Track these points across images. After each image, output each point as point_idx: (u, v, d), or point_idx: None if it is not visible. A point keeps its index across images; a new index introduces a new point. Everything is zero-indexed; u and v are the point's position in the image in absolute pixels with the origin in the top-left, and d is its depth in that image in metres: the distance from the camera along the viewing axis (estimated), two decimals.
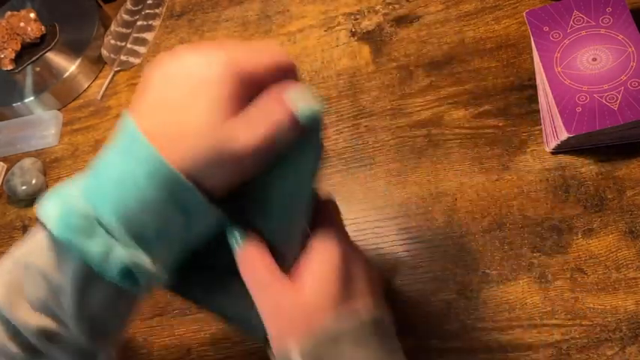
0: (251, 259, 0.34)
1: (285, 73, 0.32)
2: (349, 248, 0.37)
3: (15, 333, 0.31)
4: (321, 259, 0.35)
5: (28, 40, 0.75)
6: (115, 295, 0.32)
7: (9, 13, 0.75)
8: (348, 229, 0.37)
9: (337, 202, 0.39)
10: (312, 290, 0.34)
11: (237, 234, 0.34)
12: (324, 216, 0.37)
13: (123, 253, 0.29)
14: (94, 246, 0.29)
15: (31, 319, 0.31)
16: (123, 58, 0.74)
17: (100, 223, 0.29)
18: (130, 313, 0.35)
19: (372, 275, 0.38)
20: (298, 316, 0.34)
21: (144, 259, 0.30)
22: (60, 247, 0.30)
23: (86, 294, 0.31)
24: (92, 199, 0.30)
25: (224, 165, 0.29)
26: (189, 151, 0.29)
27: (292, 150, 0.32)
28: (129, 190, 0.29)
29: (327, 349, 0.33)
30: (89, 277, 0.30)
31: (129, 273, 0.29)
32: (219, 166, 0.29)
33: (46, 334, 0.31)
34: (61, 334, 0.32)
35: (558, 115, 0.47)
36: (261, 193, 0.33)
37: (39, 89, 0.73)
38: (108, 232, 0.29)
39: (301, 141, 0.32)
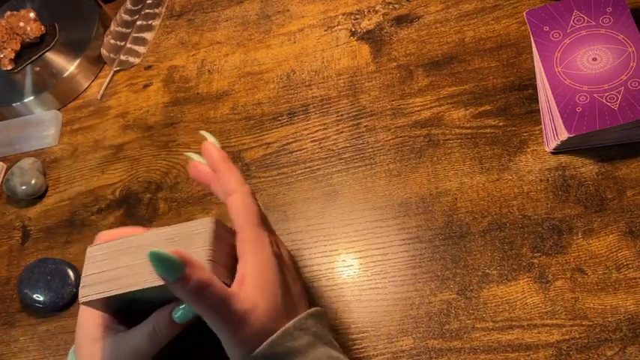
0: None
1: None
2: (278, 257, 0.40)
3: None
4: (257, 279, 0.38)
5: (28, 40, 0.75)
6: None
7: (9, 12, 0.75)
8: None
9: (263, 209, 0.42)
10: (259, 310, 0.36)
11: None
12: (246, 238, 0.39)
13: None
14: None
15: None
16: (122, 57, 0.74)
17: None
18: None
19: (298, 277, 0.42)
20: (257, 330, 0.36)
21: None
22: None
23: None
24: None
25: None
26: None
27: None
28: None
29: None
30: None
31: None
32: None
33: None
34: None
35: (558, 115, 0.47)
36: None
37: (39, 89, 0.73)
38: None
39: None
